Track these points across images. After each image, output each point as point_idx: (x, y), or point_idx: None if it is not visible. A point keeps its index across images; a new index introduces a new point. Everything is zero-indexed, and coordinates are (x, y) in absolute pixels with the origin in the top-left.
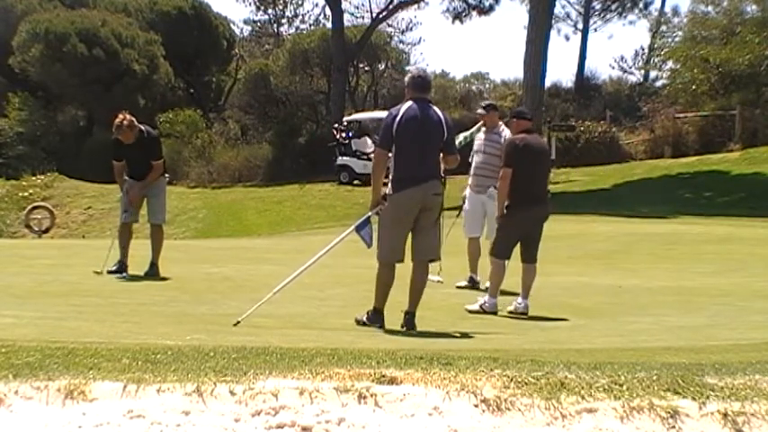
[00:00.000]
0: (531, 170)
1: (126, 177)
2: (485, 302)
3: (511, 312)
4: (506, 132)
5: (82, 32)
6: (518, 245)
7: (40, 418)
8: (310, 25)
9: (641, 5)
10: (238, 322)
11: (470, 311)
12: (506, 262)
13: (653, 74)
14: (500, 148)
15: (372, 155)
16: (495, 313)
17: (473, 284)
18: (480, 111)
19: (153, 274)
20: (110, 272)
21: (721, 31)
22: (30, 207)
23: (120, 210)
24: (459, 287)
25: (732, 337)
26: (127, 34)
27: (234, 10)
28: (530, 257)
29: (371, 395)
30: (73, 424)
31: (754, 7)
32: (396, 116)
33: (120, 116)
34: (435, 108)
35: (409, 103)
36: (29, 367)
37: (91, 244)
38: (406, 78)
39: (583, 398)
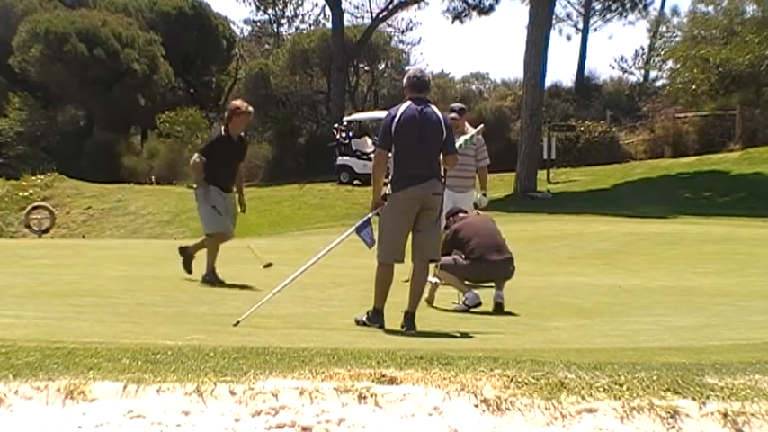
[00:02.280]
0: (480, 237)
1: (210, 185)
2: (465, 299)
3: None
4: (473, 130)
5: (82, 32)
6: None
7: (40, 418)
8: (310, 25)
9: (641, 5)
10: (238, 322)
11: (456, 311)
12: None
13: (653, 74)
14: (474, 148)
15: (372, 155)
16: (479, 304)
17: None
18: (453, 114)
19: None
20: (206, 280)
21: (721, 31)
22: (30, 207)
23: (216, 217)
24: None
25: (732, 337)
26: (127, 34)
27: (234, 10)
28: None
29: (371, 395)
30: (73, 424)
31: (754, 7)
32: (394, 116)
33: (240, 101)
34: (434, 108)
35: (408, 103)
36: (29, 367)
37: (91, 244)
38: (404, 79)
39: (583, 398)
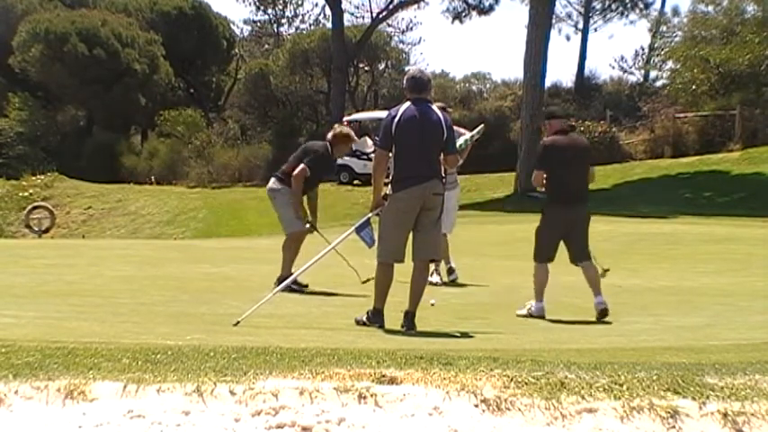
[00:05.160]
0: (561, 171)
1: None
2: (531, 306)
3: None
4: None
5: (82, 32)
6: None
7: (40, 418)
8: (310, 25)
9: (641, 5)
10: (238, 322)
11: (519, 316)
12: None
13: (653, 74)
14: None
15: (372, 155)
16: (542, 317)
17: (453, 273)
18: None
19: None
20: (301, 286)
21: (721, 31)
22: (30, 207)
23: (297, 218)
24: (451, 279)
25: (732, 337)
26: (127, 34)
27: (234, 10)
28: (578, 257)
29: (371, 395)
30: (73, 424)
31: (754, 7)
32: (394, 117)
33: (348, 129)
34: (434, 108)
35: (408, 103)
36: (29, 367)
37: (91, 244)
38: (404, 79)
39: (583, 398)
